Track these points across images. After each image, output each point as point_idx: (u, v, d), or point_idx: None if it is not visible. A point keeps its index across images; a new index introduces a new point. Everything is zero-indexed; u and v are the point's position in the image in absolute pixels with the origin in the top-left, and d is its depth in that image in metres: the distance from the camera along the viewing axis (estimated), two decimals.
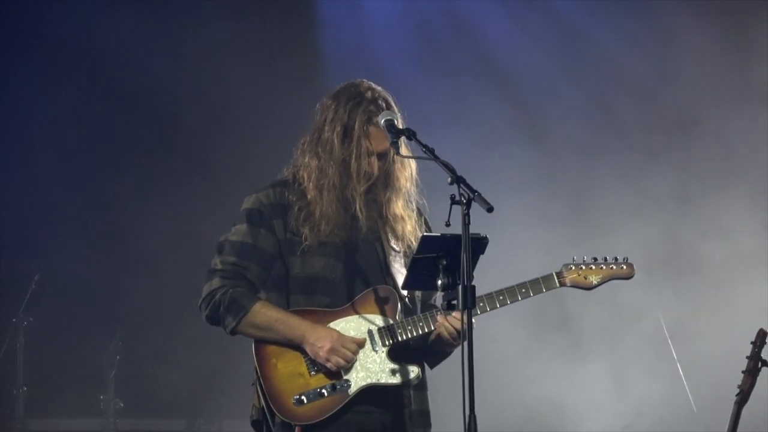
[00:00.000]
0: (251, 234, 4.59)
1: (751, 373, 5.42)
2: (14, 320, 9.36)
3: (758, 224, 8.82)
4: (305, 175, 4.60)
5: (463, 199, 4.08)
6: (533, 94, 9.56)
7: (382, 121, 4.47)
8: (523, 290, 4.59)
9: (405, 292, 4.62)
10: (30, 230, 9.84)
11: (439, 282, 4.23)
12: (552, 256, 8.35)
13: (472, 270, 4.08)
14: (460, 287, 4.03)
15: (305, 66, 9.87)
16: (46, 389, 9.58)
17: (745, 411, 5.40)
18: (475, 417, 3.93)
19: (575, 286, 4.69)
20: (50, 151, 9.84)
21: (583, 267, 4.70)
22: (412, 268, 4.33)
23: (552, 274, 4.65)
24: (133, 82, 9.86)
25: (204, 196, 9.86)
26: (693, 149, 9.08)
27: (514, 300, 4.59)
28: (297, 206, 4.57)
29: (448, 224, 4.36)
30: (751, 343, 5.47)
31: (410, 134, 4.44)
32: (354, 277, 4.57)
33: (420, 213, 4.76)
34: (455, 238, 4.13)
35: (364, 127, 4.54)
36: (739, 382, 5.44)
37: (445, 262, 4.23)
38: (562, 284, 4.66)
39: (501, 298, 4.57)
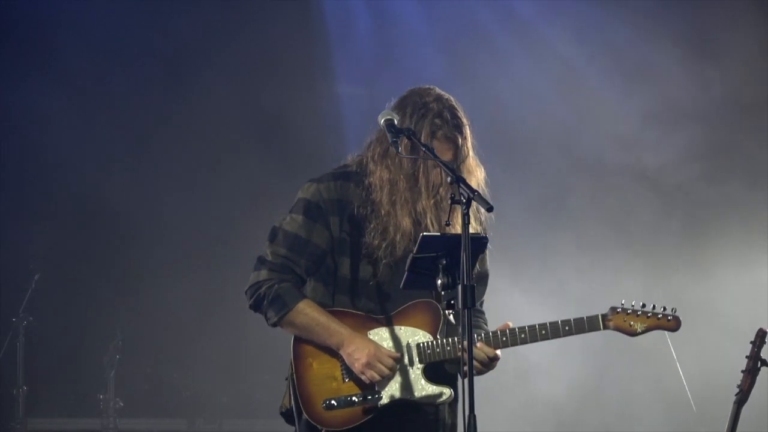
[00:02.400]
0: (306, 228, 4.55)
1: (750, 373, 5.43)
2: (14, 320, 9.35)
3: (759, 222, 8.82)
4: (377, 186, 4.53)
5: (462, 198, 4.08)
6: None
7: (382, 120, 4.45)
8: (566, 328, 4.58)
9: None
10: (30, 230, 9.84)
11: (439, 281, 4.24)
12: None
13: (472, 269, 4.07)
14: (459, 287, 4.03)
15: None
16: (47, 389, 9.59)
17: (745, 410, 5.41)
18: (475, 417, 3.93)
19: (618, 330, 4.68)
20: (50, 151, 9.84)
21: (630, 312, 4.68)
22: (412, 267, 4.32)
23: (597, 317, 4.64)
24: (133, 78, 9.88)
25: (209, 196, 9.86)
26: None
27: (556, 336, 4.58)
28: (369, 221, 4.51)
29: (447, 224, 4.37)
30: (751, 342, 5.48)
31: (410, 134, 4.44)
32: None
33: (480, 222, 4.66)
34: (455, 238, 4.14)
35: (429, 141, 4.47)
36: (739, 382, 5.45)
37: (444, 262, 4.24)
38: (606, 327, 4.65)
39: (543, 332, 4.56)
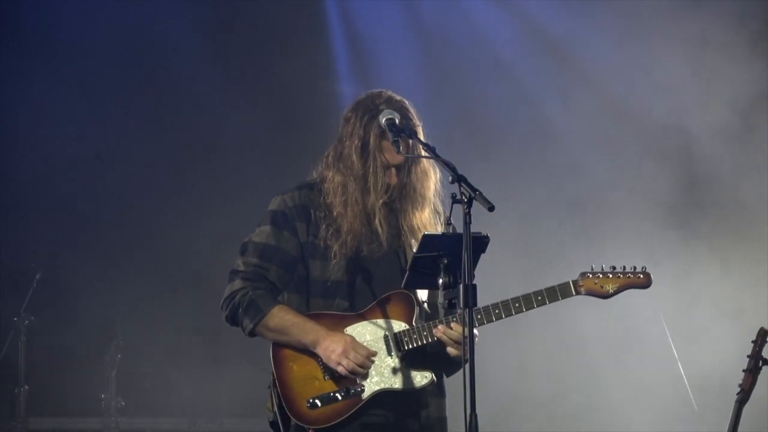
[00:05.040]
0: (274, 236, 4.64)
1: (751, 372, 5.43)
2: (16, 319, 9.36)
3: (759, 216, 8.81)
4: (330, 189, 4.65)
5: (464, 198, 4.10)
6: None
7: (383, 120, 4.50)
8: (539, 298, 4.60)
9: (423, 298, 4.64)
10: (30, 229, 9.84)
11: (440, 281, 4.26)
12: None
13: (473, 269, 4.09)
14: (461, 286, 4.04)
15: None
16: (48, 388, 9.58)
17: (746, 410, 5.41)
18: (476, 416, 3.94)
19: (591, 294, 4.70)
20: (50, 150, 9.83)
21: (600, 275, 4.71)
22: (413, 266, 4.35)
23: (569, 283, 4.66)
24: (131, 76, 9.87)
25: (208, 195, 9.86)
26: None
27: (530, 308, 4.60)
28: (324, 223, 4.62)
29: (449, 223, 4.38)
30: (752, 341, 5.48)
31: (410, 133, 4.48)
32: (374, 282, 4.60)
33: (449, 223, 4.68)
34: (456, 237, 4.15)
35: (378, 142, 4.59)
36: (740, 381, 5.45)
37: (446, 261, 4.26)
38: (578, 293, 4.67)
39: (517, 305, 4.59)
